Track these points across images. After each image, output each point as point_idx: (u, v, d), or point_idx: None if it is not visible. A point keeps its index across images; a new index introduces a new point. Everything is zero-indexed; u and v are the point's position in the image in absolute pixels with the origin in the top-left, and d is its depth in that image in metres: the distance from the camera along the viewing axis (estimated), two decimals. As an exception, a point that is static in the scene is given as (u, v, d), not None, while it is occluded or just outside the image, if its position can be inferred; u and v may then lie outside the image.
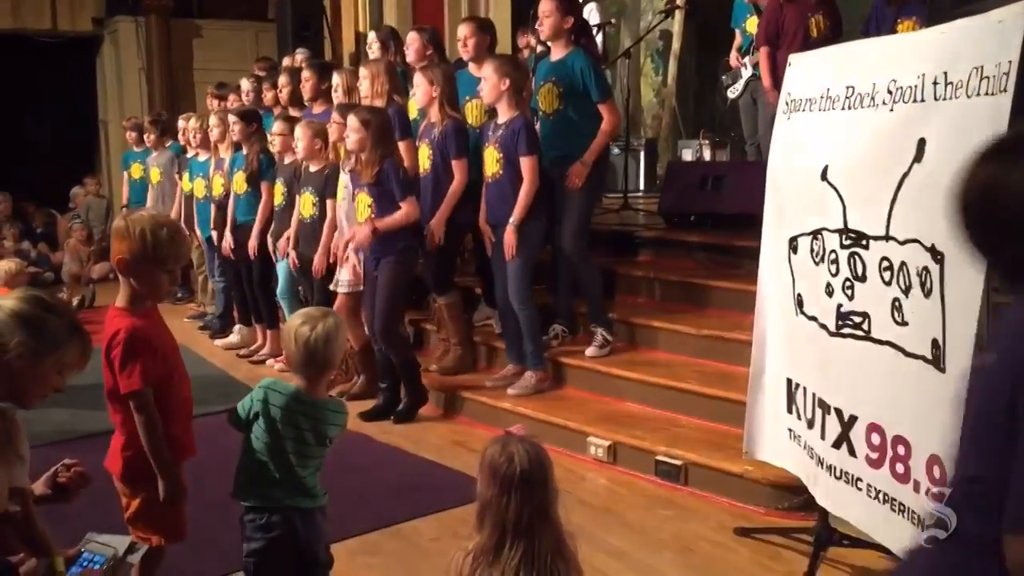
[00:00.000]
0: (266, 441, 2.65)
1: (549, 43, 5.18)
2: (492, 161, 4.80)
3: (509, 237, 4.73)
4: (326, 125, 5.60)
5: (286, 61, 8.13)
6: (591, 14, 8.34)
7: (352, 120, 4.89)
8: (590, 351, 5.04)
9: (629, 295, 5.68)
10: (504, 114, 4.79)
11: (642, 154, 9.74)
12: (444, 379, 5.33)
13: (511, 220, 4.73)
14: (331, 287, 5.42)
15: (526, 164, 4.71)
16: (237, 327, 6.92)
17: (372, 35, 6.68)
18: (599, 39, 7.76)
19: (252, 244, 6.27)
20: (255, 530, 2.67)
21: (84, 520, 3.61)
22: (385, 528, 3.77)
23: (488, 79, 4.77)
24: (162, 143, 8.47)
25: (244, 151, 6.48)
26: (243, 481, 2.69)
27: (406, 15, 9.67)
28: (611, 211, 7.11)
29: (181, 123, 8.04)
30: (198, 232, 7.39)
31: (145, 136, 8.75)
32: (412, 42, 5.84)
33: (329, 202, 5.51)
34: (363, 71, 5.55)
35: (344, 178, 5.36)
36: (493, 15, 9.03)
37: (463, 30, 5.55)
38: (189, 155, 7.69)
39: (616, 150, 8.55)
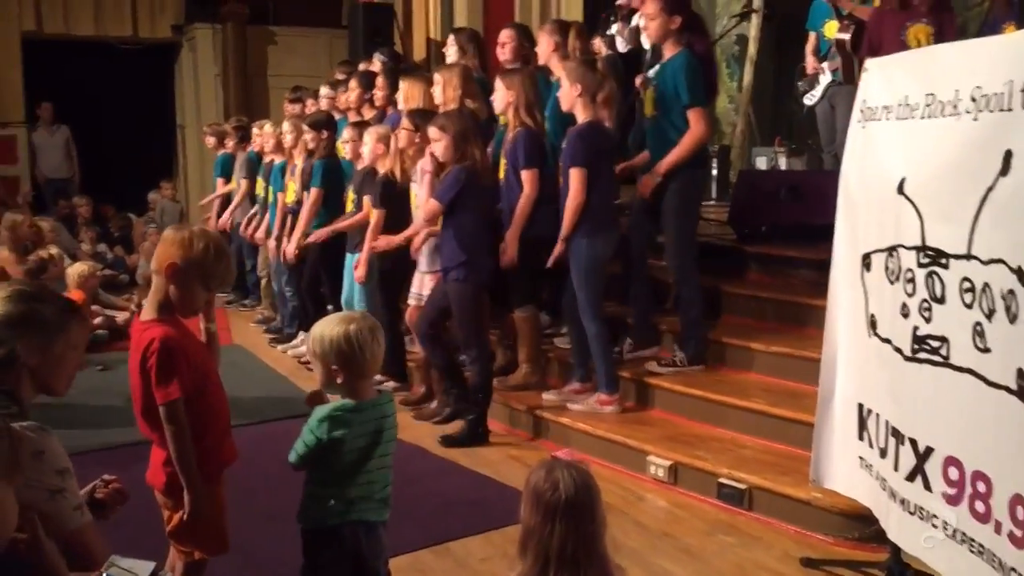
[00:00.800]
0: (341, 462, 2.58)
1: (659, 45, 4.93)
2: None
3: (556, 250, 4.59)
4: (393, 131, 5.54)
5: (363, 66, 8.13)
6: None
7: (432, 128, 4.79)
8: (652, 366, 4.87)
9: (729, 313, 5.39)
10: (580, 118, 4.63)
11: (715, 162, 9.50)
12: (506, 391, 5.21)
13: (560, 234, 4.58)
14: (412, 302, 5.29)
15: (572, 176, 4.54)
16: (301, 334, 6.92)
17: (451, 37, 6.56)
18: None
19: (291, 247, 6.24)
20: (317, 544, 2.61)
21: (124, 533, 3.61)
22: (435, 545, 3.68)
23: (563, 85, 4.65)
24: (242, 148, 8.57)
25: (313, 158, 6.50)
26: (310, 504, 2.63)
27: (477, 20, 9.62)
28: (710, 221, 6.90)
29: (255, 129, 8.13)
30: (260, 236, 7.44)
31: (226, 141, 8.88)
32: (508, 40, 5.62)
33: (375, 212, 5.43)
34: (437, 76, 5.43)
35: (414, 186, 5.28)
36: (565, 17, 8.93)
37: (539, 34, 5.43)
38: (265, 160, 7.76)
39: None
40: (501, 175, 5.05)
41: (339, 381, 2.57)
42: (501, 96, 4.98)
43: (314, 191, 6.35)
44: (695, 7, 11.33)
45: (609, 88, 4.63)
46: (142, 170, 11.49)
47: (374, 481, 2.64)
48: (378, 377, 5.85)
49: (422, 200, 5.07)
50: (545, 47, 5.30)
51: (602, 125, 4.65)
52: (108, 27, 11.34)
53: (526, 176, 4.89)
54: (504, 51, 5.59)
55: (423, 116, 5.17)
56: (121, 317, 7.45)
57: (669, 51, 4.76)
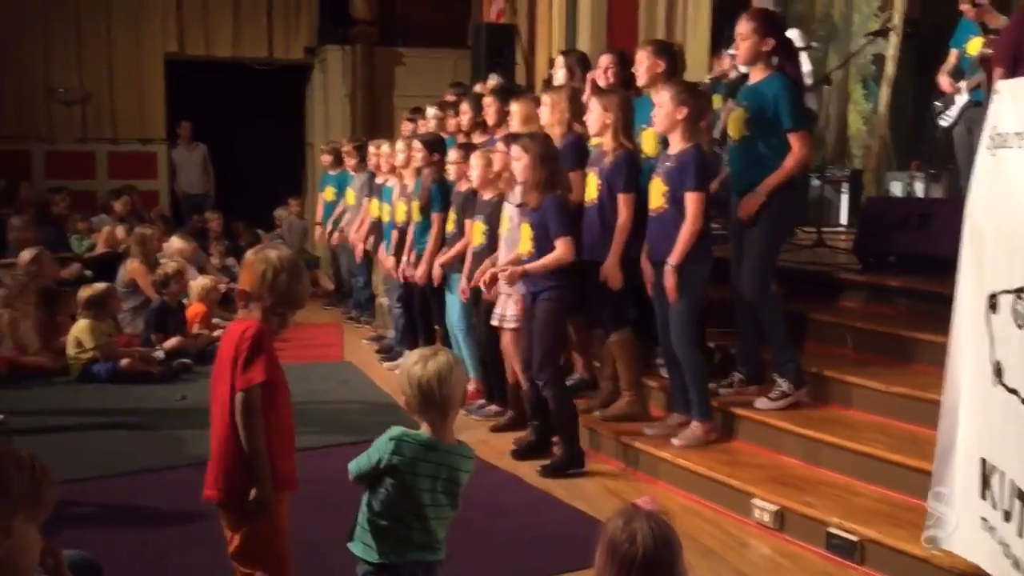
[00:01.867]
0: (400, 495, 2.51)
1: (746, 68, 4.81)
2: (657, 194, 4.50)
3: (669, 279, 4.41)
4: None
5: (477, 87, 8.15)
6: (794, 38, 7.84)
7: (514, 148, 4.77)
8: (762, 403, 4.62)
9: (818, 343, 5.15)
10: (676, 145, 4.48)
11: (846, 186, 9.09)
12: (607, 421, 5.05)
13: (669, 260, 4.41)
14: (494, 322, 5.27)
15: (691, 200, 4.38)
16: (407, 353, 6.92)
17: (559, 59, 6.50)
18: (807, 64, 7.27)
19: (421, 271, 6.25)
20: None
21: (189, 556, 3.64)
22: (523, 582, 3.55)
23: (663, 106, 4.49)
24: (360, 167, 8.72)
25: (422, 177, 6.51)
26: (366, 537, 2.57)
27: (600, 40, 9.52)
28: (803, 247, 6.61)
29: (371, 148, 8.25)
30: (382, 255, 7.51)
31: (344, 160, 9.06)
32: (610, 65, 5.54)
33: (467, 222, 5.43)
34: (544, 97, 5.41)
35: (508, 207, 5.23)
36: (690, 39, 8.72)
37: (638, 54, 5.29)
38: (378, 180, 7.86)
39: (816, 181, 8.01)
40: (590, 196, 4.94)
41: (417, 416, 2.53)
42: (597, 117, 4.88)
43: (436, 216, 6.35)
44: (830, 25, 11.00)
45: (709, 114, 4.50)
46: (272, 187, 11.87)
47: (432, 530, 2.57)
48: (480, 402, 5.83)
49: (515, 223, 5.02)
50: (647, 67, 5.15)
51: (704, 149, 4.56)
52: (245, 49, 11.78)
53: (624, 200, 4.78)
54: (607, 75, 5.51)
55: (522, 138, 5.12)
56: (240, 330, 7.65)
57: (759, 74, 4.59)
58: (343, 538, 2.61)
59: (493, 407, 5.73)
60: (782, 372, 4.62)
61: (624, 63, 5.59)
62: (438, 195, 6.37)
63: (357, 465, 2.57)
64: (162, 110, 11.54)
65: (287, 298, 2.65)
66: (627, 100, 4.99)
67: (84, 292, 6.73)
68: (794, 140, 4.49)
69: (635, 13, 9.43)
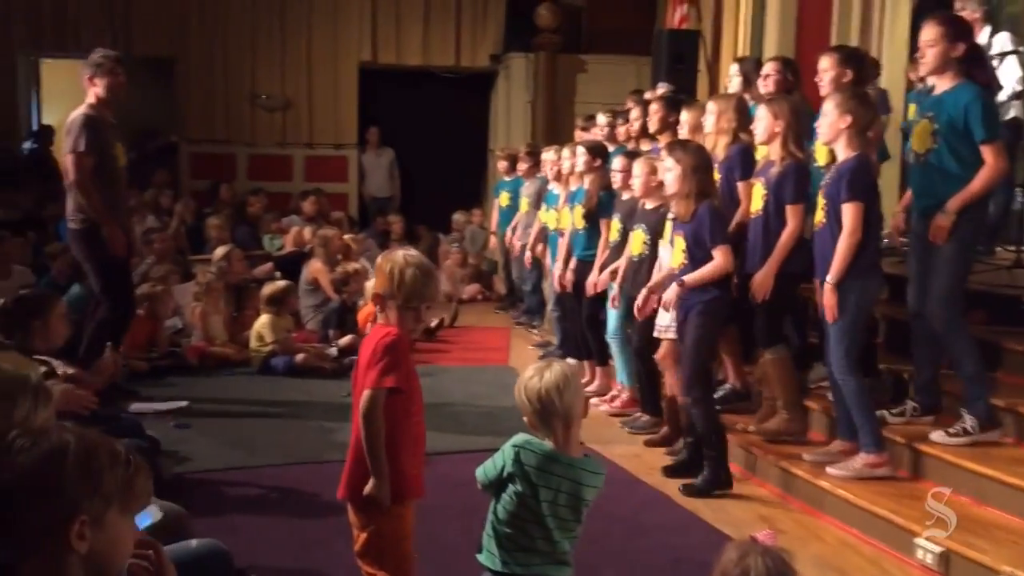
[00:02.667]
0: (521, 504, 2.49)
1: (932, 77, 4.47)
2: (819, 208, 4.27)
3: (827, 297, 4.16)
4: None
5: (647, 94, 8.03)
6: (1004, 42, 7.24)
7: (667, 159, 4.64)
8: (938, 436, 4.26)
9: (1017, 374, 4.73)
10: (840, 155, 4.23)
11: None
12: (760, 441, 4.83)
13: (828, 278, 4.15)
14: (657, 334, 5.15)
15: (848, 212, 4.10)
16: (568, 361, 6.89)
17: (734, 66, 6.31)
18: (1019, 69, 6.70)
19: (590, 281, 6.19)
20: None
21: (330, 549, 3.72)
22: (659, 606, 3.44)
23: (827, 115, 4.24)
24: (533, 173, 8.78)
25: (586, 185, 6.47)
26: (491, 545, 2.55)
27: (788, 45, 9.14)
28: (1001, 267, 6.07)
29: (544, 155, 8.29)
30: (548, 262, 7.51)
31: (519, 165, 9.15)
32: (772, 72, 5.38)
33: (662, 243, 5.29)
34: (710, 106, 5.27)
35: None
36: (887, 44, 8.24)
37: (822, 62, 5.02)
38: (550, 186, 7.88)
39: (1020, 196, 7.36)
40: (756, 208, 4.74)
41: (539, 434, 2.49)
42: (766, 125, 4.67)
43: (605, 223, 6.29)
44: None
45: (878, 123, 4.18)
46: (454, 192, 12.17)
47: (556, 542, 2.52)
48: (635, 414, 5.72)
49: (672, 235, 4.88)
50: (832, 77, 4.86)
51: (872, 160, 4.26)
52: (434, 57, 12.13)
53: (792, 211, 4.57)
54: (767, 83, 5.29)
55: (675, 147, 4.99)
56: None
57: (947, 82, 4.23)
58: (476, 545, 2.62)
59: (646, 418, 5.61)
60: (971, 409, 4.24)
61: (791, 70, 5.38)
62: (607, 202, 6.29)
63: (484, 471, 2.57)
64: (355, 116, 12.06)
65: (417, 293, 2.68)
66: (798, 108, 4.76)
67: (266, 289, 7.12)
68: (988, 152, 4.12)
69: (827, 17, 9.00)
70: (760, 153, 5.04)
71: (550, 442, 2.52)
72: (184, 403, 5.86)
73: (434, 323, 8.30)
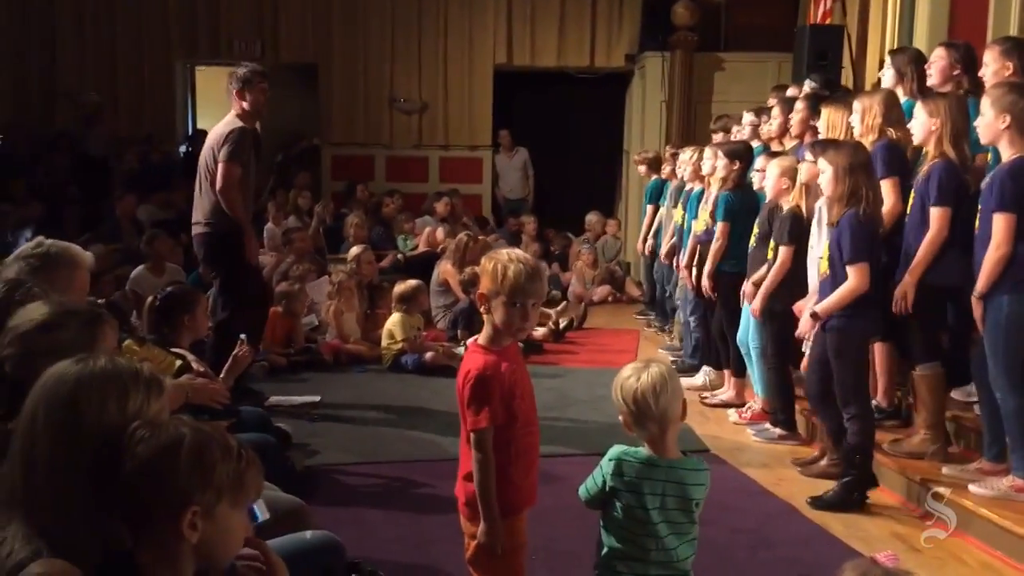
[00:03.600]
0: (630, 517, 2.45)
1: None
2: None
3: (975, 309, 3.89)
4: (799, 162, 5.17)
5: (791, 91, 7.76)
6: None
7: (820, 160, 4.42)
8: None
9: None
10: (1003, 157, 3.93)
11: None
12: (899, 456, 4.58)
13: (975, 289, 3.88)
14: (804, 348, 4.94)
15: (997, 222, 3.81)
16: (704, 368, 6.74)
17: (887, 59, 5.95)
18: None
19: (706, 284, 6.04)
20: None
21: (448, 549, 3.73)
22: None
23: (984, 114, 3.97)
24: (674, 174, 8.62)
25: (724, 187, 6.30)
26: (607, 559, 2.52)
27: (940, 38, 8.67)
28: None
29: (682, 155, 8.12)
30: (682, 265, 7.36)
31: (659, 167, 9.01)
32: (936, 60, 5.01)
33: (782, 249, 5.08)
34: (856, 103, 4.99)
35: (814, 223, 4.89)
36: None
37: (985, 55, 4.70)
38: (685, 188, 7.73)
39: None
40: (909, 209, 4.49)
41: (635, 434, 2.44)
42: (922, 124, 4.39)
43: (720, 225, 6.14)
44: None
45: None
46: (588, 193, 12.12)
47: (670, 550, 2.45)
48: (764, 424, 5.53)
49: (816, 240, 4.66)
50: (994, 70, 4.54)
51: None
52: (568, 58, 12.10)
53: (935, 214, 4.28)
54: (931, 73, 4.94)
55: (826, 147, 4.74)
56: (540, 332, 7.84)
57: None
58: (590, 550, 2.58)
59: (777, 430, 5.41)
60: None
61: (968, 60, 4.96)
62: (723, 203, 6.12)
63: (586, 489, 2.53)
64: (489, 118, 12.17)
65: (521, 288, 2.58)
66: (959, 104, 4.43)
67: (397, 288, 7.26)
68: None
69: (984, 5, 8.51)
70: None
71: (645, 446, 2.48)
72: (317, 398, 6.04)
73: (563, 324, 8.28)
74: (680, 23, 11.16)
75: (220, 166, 5.57)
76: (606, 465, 2.46)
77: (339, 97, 12.05)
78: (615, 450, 2.48)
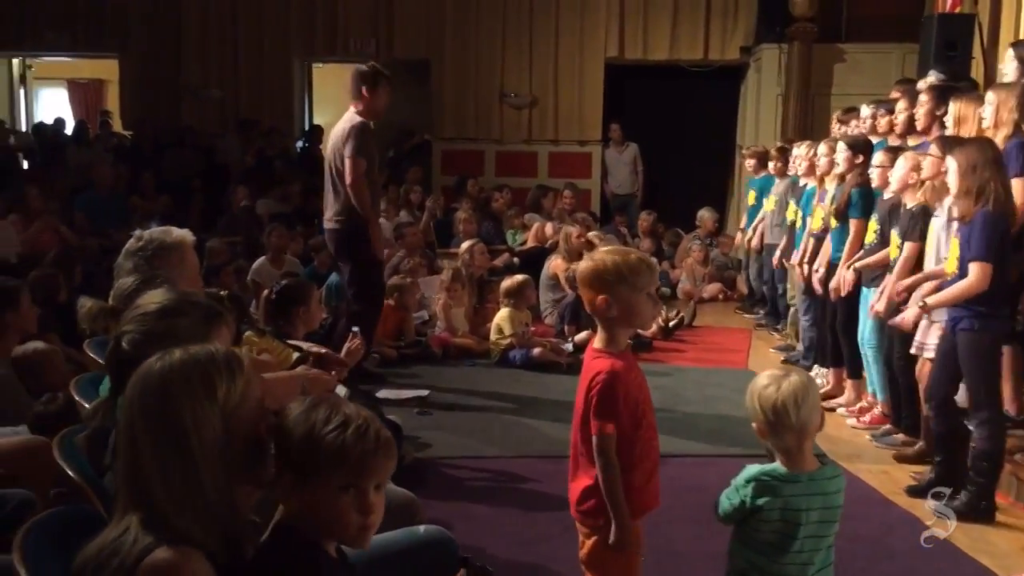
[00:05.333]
0: (772, 531, 2.40)
1: None
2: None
3: None
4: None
5: (919, 84, 7.44)
6: None
7: (948, 156, 4.23)
8: None
9: None
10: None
11: None
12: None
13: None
14: (913, 351, 4.76)
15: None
16: (817, 369, 6.54)
17: (1009, 51, 5.69)
18: None
19: (834, 283, 5.84)
20: None
21: (560, 544, 3.70)
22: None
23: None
24: (784, 170, 8.41)
25: (844, 183, 6.09)
26: (742, 571, 2.48)
27: (1079, 26, 8.20)
28: None
29: (796, 150, 7.90)
30: (794, 262, 7.17)
31: (771, 163, 8.79)
32: None
33: (908, 245, 4.87)
34: (989, 96, 4.75)
35: (935, 221, 4.68)
36: None
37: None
38: (800, 183, 7.51)
39: None
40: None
41: (770, 443, 2.36)
42: None
43: (855, 222, 5.90)
44: None
45: None
46: (699, 188, 11.91)
47: (808, 563, 2.40)
48: (885, 427, 5.32)
49: (943, 238, 4.45)
50: None
51: None
52: (681, 51, 11.91)
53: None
54: None
55: (954, 143, 4.53)
56: (648, 330, 7.73)
57: None
58: (711, 551, 2.53)
59: (900, 436, 5.21)
60: None
61: None
62: (859, 200, 5.91)
63: (723, 510, 2.48)
64: (599, 113, 12.09)
65: (646, 274, 2.58)
66: None
67: (504, 282, 7.27)
68: None
69: None
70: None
71: (780, 458, 2.41)
72: (426, 392, 6.10)
73: (672, 321, 8.16)
74: (799, 14, 10.84)
75: (347, 162, 5.70)
76: (743, 488, 2.39)
77: (450, 93, 12.15)
78: (751, 470, 2.41)
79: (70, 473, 2.28)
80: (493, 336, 7.15)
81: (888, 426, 5.36)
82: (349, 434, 1.74)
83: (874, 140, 6.38)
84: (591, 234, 8.43)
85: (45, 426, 3.45)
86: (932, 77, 7.13)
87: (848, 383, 6.02)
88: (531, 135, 12.23)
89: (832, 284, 5.87)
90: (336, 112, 6.10)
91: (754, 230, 8.78)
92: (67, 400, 3.51)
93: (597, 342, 2.67)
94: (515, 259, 9.14)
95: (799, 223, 7.09)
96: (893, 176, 5.12)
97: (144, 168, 10.89)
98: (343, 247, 6.01)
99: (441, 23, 12.04)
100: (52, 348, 4.33)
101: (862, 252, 5.62)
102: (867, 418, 5.62)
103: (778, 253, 7.77)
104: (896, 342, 5.06)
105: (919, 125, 5.71)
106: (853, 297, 5.72)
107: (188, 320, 2.26)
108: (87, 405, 2.86)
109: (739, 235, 9.64)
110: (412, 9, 12.05)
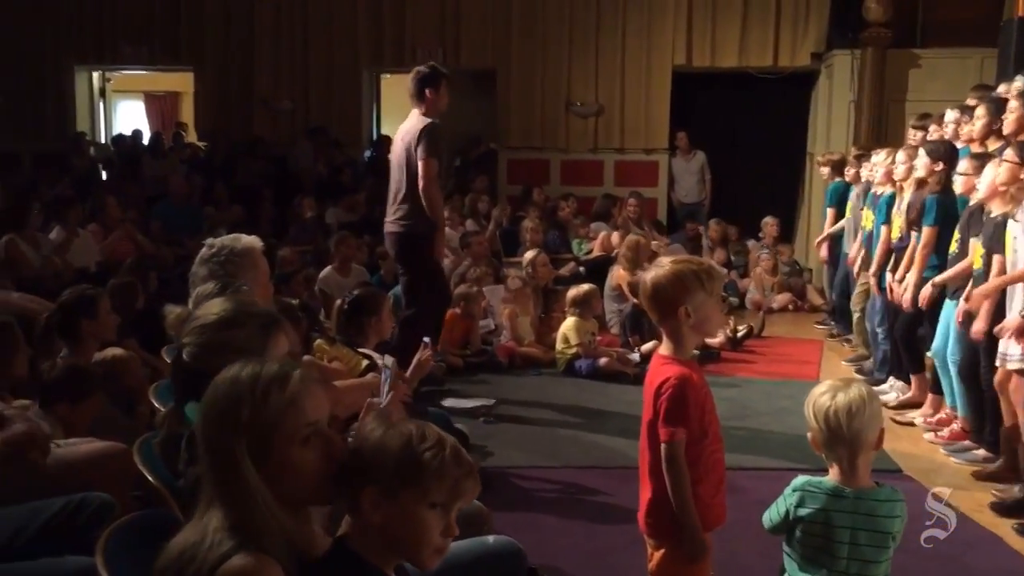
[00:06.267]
0: (815, 548, 2.35)
1: None
2: None
3: None
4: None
5: (1000, 89, 7.23)
6: None
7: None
8: None
9: None
10: None
11: None
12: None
13: None
14: (997, 362, 4.61)
15: None
16: (892, 381, 6.38)
17: None
18: None
19: (909, 293, 5.69)
20: None
21: (627, 558, 3.65)
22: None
23: None
24: (859, 177, 8.24)
25: (923, 190, 5.94)
26: None
27: None
28: None
29: (874, 157, 7.74)
30: (871, 272, 7.01)
31: (846, 170, 8.64)
32: None
33: (996, 258, 4.72)
34: None
35: (1014, 227, 4.54)
36: None
37: None
38: (874, 191, 7.36)
39: None
40: None
41: (823, 455, 2.31)
42: None
43: (927, 230, 5.76)
44: None
45: None
46: (767, 197, 11.74)
47: None
48: (965, 443, 5.16)
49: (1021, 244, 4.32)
50: None
51: None
52: (750, 58, 11.75)
53: None
54: None
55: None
56: (717, 340, 7.64)
57: None
58: (769, 566, 2.50)
59: (981, 452, 5.05)
60: None
61: None
62: (934, 207, 5.76)
63: (769, 518, 2.46)
64: (666, 120, 11.98)
65: (714, 279, 2.60)
66: None
67: (570, 292, 7.25)
68: None
69: None
70: None
71: (832, 473, 2.36)
72: (492, 401, 6.10)
73: (741, 332, 8.05)
74: (873, 19, 10.63)
75: (420, 163, 5.63)
76: (789, 496, 2.36)
77: (516, 101, 12.17)
78: (799, 480, 2.39)
79: (149, 477, 2.33)
80: (559, 346, 7.13)
81: (967, 442, 5.20)
82: (448, 454, 1.75)
83: (962, 147, 6.23)
84: (655, 243, 8.36)
85: (50, 397, 3.57)
86: (1020, 82, 6.90)
87: (930, 397, 5.86)
88: (597, 144, 12.18)
89: (906, 296, 5.73)
90: (403, 121, 6.12)
91: (827, 239, 8.62)
92: (68, 367, 3.70)
93: (663, 349, 2.66)
94: (580, 268, 9.12)
95: (873, 230, 6.93)
96: (982, 182, 4.98)
97: (217, 178, 11.13)
98: (404, 251, 5.94)
99: (507, 32, 12.08)
100: (130, 354, 4.43)
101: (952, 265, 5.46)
102: (945, 432, 5.46)
103: (849, 260, 7.62)
104: (983, 354, 4.91)
105: (1007, 129, 5.53)
106: (928, 307, 5.58)
107: (245, 331, 2.29)
108: (163, 410, 2.93)
109: (816, 244, 9.49)
110: (478, 19, 12.11)
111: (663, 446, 2.55)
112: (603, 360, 6.93)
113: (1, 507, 2.91)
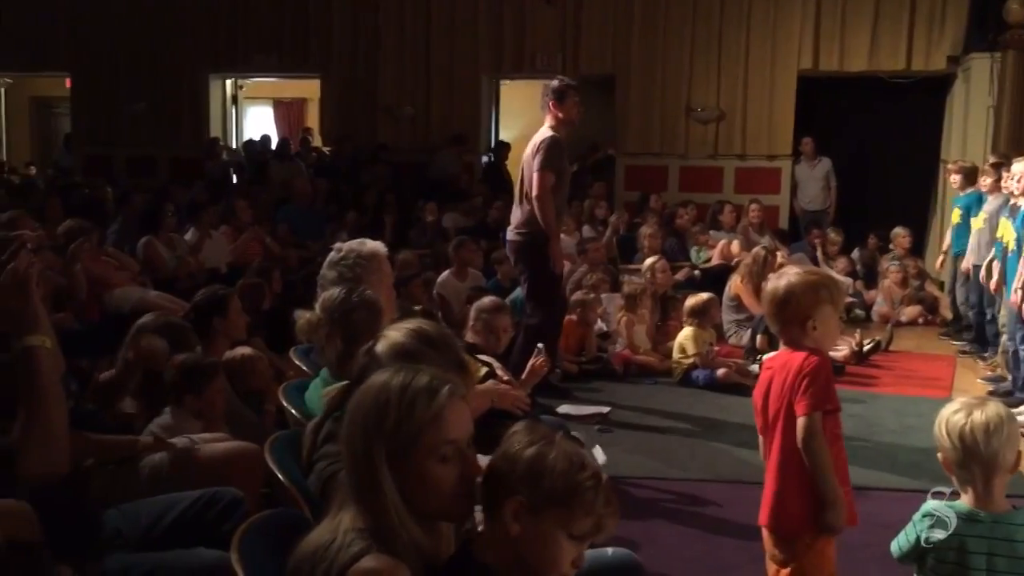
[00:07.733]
0: (950, 575, 2.25)
1: None
2: None
3: None
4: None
5: None
6: None
7: None
8: None
9: None
10: None
11: None
12: None
13: None
14: None
15: None
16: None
17: None
18: None
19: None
20: None
21: (733, 574, 3.56)
22: None
23: None
24: (998, 187, 7.86)
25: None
26: None
27: None
28: None
29: (1015, 166, 7.36)
30: (1016, 288, 6.65)
31: (981, 179, 8.25)
32: None
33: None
34: None
35: None
36: None
37: None
38: (1012, 201, 6.99)
39: None
40: None
41: (955, 477, 2.21)
42: None
43: None
44: None
45: None
46: (896, 206, 11.32)
47: None
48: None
49: None
50: None
51: None
52: (881, 62, 11.36)
53: None
54: None
55: None
56: (841, 353, 7.39)
57: None
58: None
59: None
60: None
61: None
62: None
63: (898, 545, 2.36)
64: (790, 127, 11.69)
65: (839, 293, 2.65)
66: None
67: (689, 301, 7.13)
68: None
69: None
70: None
71: (966, 496, 2.24)
72: (607, 408, 6.06)
73: (868, 345, 7.76)
74: (1014, 20, 10.10)
75: (535, 175, 5.78)
76: (919, 522, 2.26)
77: (635, 107, 12.08)
78: (929, 504, 2.28)
79: (280, 476, 2.40)
80: (676, 355, 7.03)
81: None
82: (603, 490, 1.75)
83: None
84: (779, 254, 8.16)
85: (176, 395, 3.65)
86: None
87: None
88: (717, 150, 11.98)
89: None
90: (521, 127, 6.20)
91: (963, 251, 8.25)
92: (179, 362, 3.73)
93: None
94: (696, 272, 8.98)
95: (1011, 245, 6.58)
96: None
97: (341, 182, 11.41)
98: (523, 259, 6.08)
99: (627, 38, 12.00)
100: (257, 354, 4.57)
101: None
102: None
103: (983, 273, 7.27)
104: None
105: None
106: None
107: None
108: (293, 411, 3.01)
109: (941, 256, 9.10)
110: (598, 24, 12.07)
111: (801, 420, 2.55)
112: (721, 371, 6.79)
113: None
